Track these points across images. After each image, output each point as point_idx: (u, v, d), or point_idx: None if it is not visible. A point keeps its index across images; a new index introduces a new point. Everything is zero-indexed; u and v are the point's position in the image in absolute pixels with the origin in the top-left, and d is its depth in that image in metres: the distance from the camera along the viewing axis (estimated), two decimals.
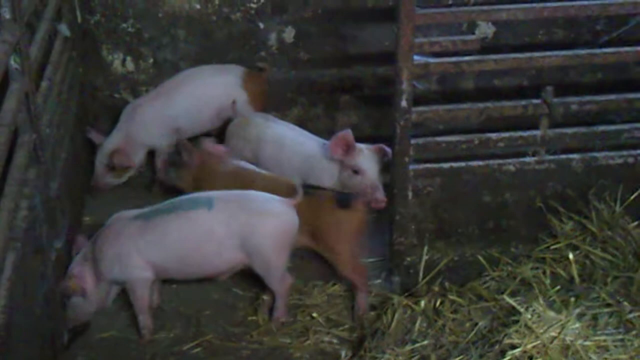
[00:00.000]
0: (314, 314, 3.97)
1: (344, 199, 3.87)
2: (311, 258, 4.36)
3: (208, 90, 4.79)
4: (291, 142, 4.39)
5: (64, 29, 4.46)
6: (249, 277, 4.19)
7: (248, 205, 3.72)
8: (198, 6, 4.98)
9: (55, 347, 3.49)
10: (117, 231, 3.75)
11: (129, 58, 5.06)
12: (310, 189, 3.92)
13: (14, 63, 3.27)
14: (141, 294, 3.79)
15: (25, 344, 2.98)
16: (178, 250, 3.71)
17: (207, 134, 4.69)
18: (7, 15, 3.20)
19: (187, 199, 3.82)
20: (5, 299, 2.69)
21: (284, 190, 3.88)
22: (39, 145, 3.49)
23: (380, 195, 4.04)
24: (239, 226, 3.68)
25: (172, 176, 4.32)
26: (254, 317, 3.96)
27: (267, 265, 3.76)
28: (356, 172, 4.08)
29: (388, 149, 4.04)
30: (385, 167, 4.11)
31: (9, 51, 3.15)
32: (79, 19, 4.87)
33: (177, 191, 4.15)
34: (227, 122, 4.73)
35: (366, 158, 4.08)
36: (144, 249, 3.70)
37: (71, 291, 3.71)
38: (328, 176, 4.20)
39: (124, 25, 4.97)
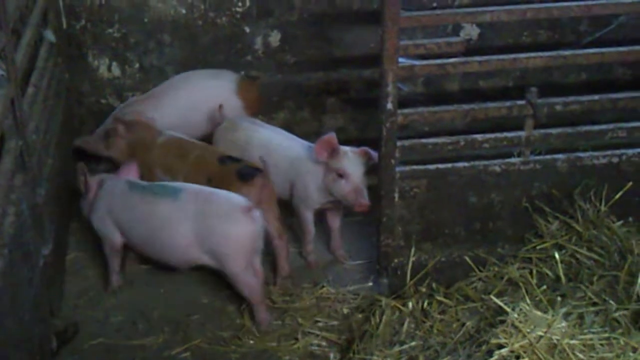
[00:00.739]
0: (302, 317, 3.98)
1: (244, 173, 4.04)
2: (299, 261, 4.41)
3: (201, 95, 4.79)
4: (278, 145, 4.40)
5: (49, 34, 4.46)
6: None
7: (212, 205, 3.79)
8: (184, 11, 4.98)
9: (44, 353, 3.48)
10: (112, 188, 4.07)
11: (114, 63, 5.06)
12: (227, 160, 4.17)
13: None
14: (109, 254, 4.14)
15: (14, 350, 2.98)
16: (140, 229, 3.97)
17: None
18: None
19: (162, 185, 4.02)
20: None
21: (214, 160, 4.18)
22: (26, 151, 3.48)
23: (364, 199, 4.04)
24: (199, 224, 3.79)
25: (101, 147, 4.62)
26: (242, 321, 3.96)
27: (225, 268, 3.82)
28: (340, 175, 4.08)
29: (373, 153, 4.05)
30: (371, 169, 4.12)
31: None
32: (65, 25, 4.87)
33: None
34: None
35: (350, 161, 4.08)
36: (116, 215, 4.02)
37: (80, 174, 4.13)
38: (314, 179, 4.20)
39: (110, 30, 4.97)
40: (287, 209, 4.43)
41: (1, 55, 3.25)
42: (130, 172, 4.21)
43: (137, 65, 5.08)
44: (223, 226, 3.76)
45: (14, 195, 3.27)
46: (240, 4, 5.02)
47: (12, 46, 3.40)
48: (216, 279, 4.24)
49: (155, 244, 3.94)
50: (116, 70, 5.08)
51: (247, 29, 5.08)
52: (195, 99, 4.78)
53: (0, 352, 2.74)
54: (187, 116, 4.75)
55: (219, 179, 4.08)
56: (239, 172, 4.06)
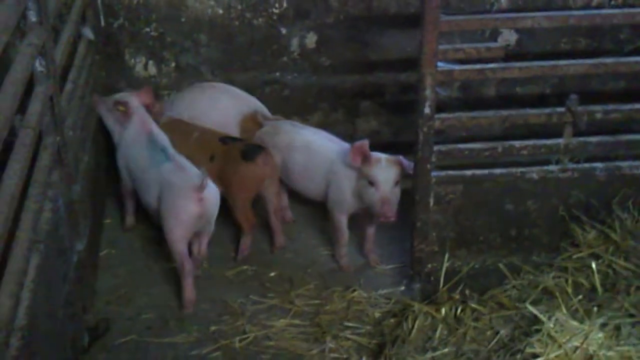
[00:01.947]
0: (333, 321, 3.95)
1: (248, 152, 4.28)
2: (331, 263, 4.39)
3: (209, 105, 4.81)
4: (320, 147, 4.39)
5: (88, 32, 4.49)
6: (269, 283, 4.20)
7: (173, 177, 4.02)
8: (221, 11, 4.99)
9: (76, 349, 3.49)
10: (135, 136, 4.37)
11: (151, 62, 5.08)
12: (229, 140, 4.41)
13: (39, 66, 3.28)
14: (124, 194, 4.58)
15: (47, 346, 2.99)
16: (139, 182, 4.31)
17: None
18: (34, 19, 3.21)
19: (164, 152, 4.21)
20: (29, 300, 2.70)
21: (215, 140, 4.40)
22: (63, 147, 3.49)
23: (390, 210, 3.98)
24: (159, 187, 4.07)
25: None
26: (273, 323, 3.95)
27: (165, 233, 4.02)
28: (371, 183, 4.05)
29: (406, 163, 4.00)
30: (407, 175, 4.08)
31: (35, 54, 3.17)
32: (103, 23, 4.90)
33: None
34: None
35: (382, 170, 4.03)
36: (129, 162, 4.39)
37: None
38: (349, 183, 4.18)
39: (147, 29, 4.99)
40: (323, 211, 4.44)
41: (41, 52, 3.26)
42: (146, 98, 4.52)
43: (173, 65, 5.10)
44: (172, 199, 3.98)
45: (51, 191, 3.28)
46: (277, 5, 5.02)
47: (51, 43, 3.41)
48: (248, 280, 4.25)
49: (144, 198, 4.26)
50: (152, 69, 5.10)
51: (284, 30, 5.08)
52: (203, 106, 4.78)
53: (34, 348, 2.74)
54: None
55: (223, 157, 4.30)
56: (243, 152, 4.27)
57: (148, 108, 4.51)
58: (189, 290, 4.00)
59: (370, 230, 4.37)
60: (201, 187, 3.91)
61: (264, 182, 4.33)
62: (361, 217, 4.35)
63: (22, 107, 2.97)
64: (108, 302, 4.08)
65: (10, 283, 2.55)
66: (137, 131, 4.36)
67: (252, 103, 4.85)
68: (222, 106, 4.79)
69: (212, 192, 4.02)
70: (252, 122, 4.74)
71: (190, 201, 3.93)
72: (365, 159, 4.06)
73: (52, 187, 3.32)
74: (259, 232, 4.61)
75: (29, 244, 2.82)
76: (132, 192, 4.48)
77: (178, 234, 3.97)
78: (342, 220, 4.30)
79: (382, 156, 4.08)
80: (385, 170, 4.03)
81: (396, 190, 4.05)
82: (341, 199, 4.23)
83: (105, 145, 4.79)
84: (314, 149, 4.38)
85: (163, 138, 4.30)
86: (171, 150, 4.21)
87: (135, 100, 4.46)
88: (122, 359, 3.71)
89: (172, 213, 3.97)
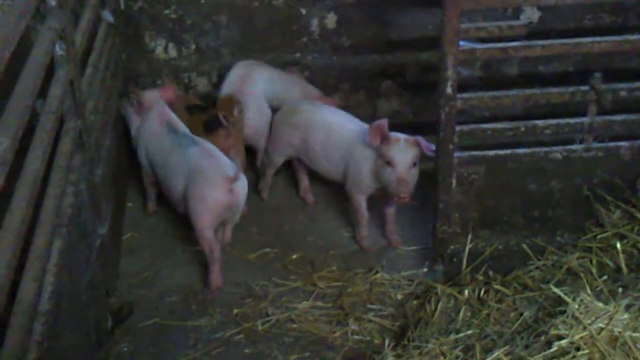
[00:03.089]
0: (356, 303, 3.94)
1: (209, 123, 4.36)
2: (353, 245, 4.38)
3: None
4: (339, 127, 4.37)
5: (107, 15, 4.48)
6: (291, 266, 4.20)
7: (203, 165, 3.97)
8: None
9: (100, 332, 3.51)
10: (154, 127, 4.34)
11: (171, 44, 5.07)
12: (194, 109, 4.53)
13: (59, 50, 3.28)
14: (145, 183, 4.59)
15: (71, 330, 3.00)
16: (161, 170, 4.28)
17: None
18: (53, 3, 3.21)
19: (189, 138, 4.21)
20: (52, 284, 2.71)
21: (182, 109, 4.45)
22: (84, 131, 3.50)
23: (405, 191, 3.94)
24: (189, 177, 4.00)
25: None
26: (295, 305, 3.95)
27: (192, 221, 4.00)
28: (388, 163, 4.02)
29: (424, 144, 3.97)
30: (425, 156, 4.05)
31: (55, 38, 3.16)
32: (122, 6, 4.90)
33: None
34: None
35: (400, 150, 3.99)
36: (151, 153, 4.36)
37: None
38: (367, 163, 4.16)
39: (167, 11, 4.98)
40: (344, 193, 4.42)
41: (61, 36, 3.25)
42: (168, 95, 4.53)
43: (193, 47, 5.09)
44: (202, 186, 3.94)
45: (73, 175, 3.28)
46: None
47: (71, 27, 3.41)
48: (270, 262, 4.25)
49: (167, 186, 4.23)
50: (172, 52, 5.09)
51: (304, 11, 5.05)
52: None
53: (57, 332, 2.75)
54: None
55: (189, 127, 4.31)
56: (205, 124, 4.37)
57: (170, 103, 4.52)
58: (216, 277, 4.00)
59: (390, 212, 4.35)
60: (234, 179, 3.89)
61: (230, 153, 4.29)
62: (380, 198, 4.32)
63: (43, 92, 2.98)
64: (131, 285, 4.09)
65: (33, 267, 2.56)
66: (156, 124, 4.35)
67: (244, 86, 4.80)
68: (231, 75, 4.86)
69: (243, 184, 4.00)
70: (228, 104, 4.66)
71: (222, 191, 3.91)
72: (384, 139, 4.03)
73: (74, 171, 3.32)
74: (281, 214, 4.61)
75: (52, 228, 2.83)
76: (154, 181, 4.49)
77: (206, 221, 3.96)
78: (361, 201, 4.28)
79: (401, 136, 4.05)
80: (403, 151, 4.00)
81: (414, 171, 4.01)
82: (359, 179, 4.21)
83: (127, 129, 4.80)
84: (334, 129, 4.36)
85: (183, 126, 4.31)
86: (194, 137, 4.19)
87: (155, 95, 4.48)
88: (146, 342, 3.73)
89: (202, 200, 3.95)
